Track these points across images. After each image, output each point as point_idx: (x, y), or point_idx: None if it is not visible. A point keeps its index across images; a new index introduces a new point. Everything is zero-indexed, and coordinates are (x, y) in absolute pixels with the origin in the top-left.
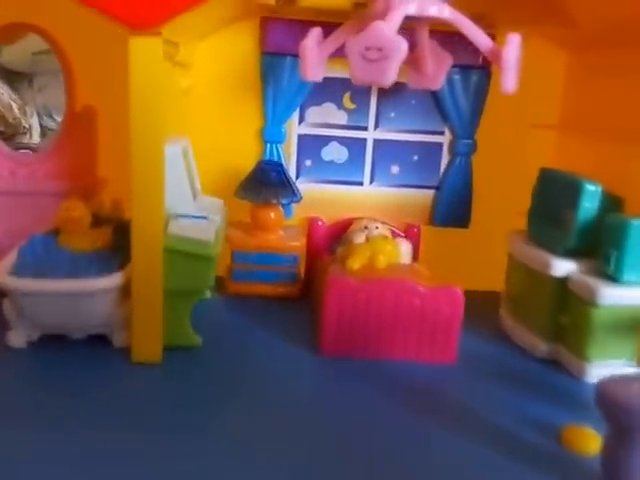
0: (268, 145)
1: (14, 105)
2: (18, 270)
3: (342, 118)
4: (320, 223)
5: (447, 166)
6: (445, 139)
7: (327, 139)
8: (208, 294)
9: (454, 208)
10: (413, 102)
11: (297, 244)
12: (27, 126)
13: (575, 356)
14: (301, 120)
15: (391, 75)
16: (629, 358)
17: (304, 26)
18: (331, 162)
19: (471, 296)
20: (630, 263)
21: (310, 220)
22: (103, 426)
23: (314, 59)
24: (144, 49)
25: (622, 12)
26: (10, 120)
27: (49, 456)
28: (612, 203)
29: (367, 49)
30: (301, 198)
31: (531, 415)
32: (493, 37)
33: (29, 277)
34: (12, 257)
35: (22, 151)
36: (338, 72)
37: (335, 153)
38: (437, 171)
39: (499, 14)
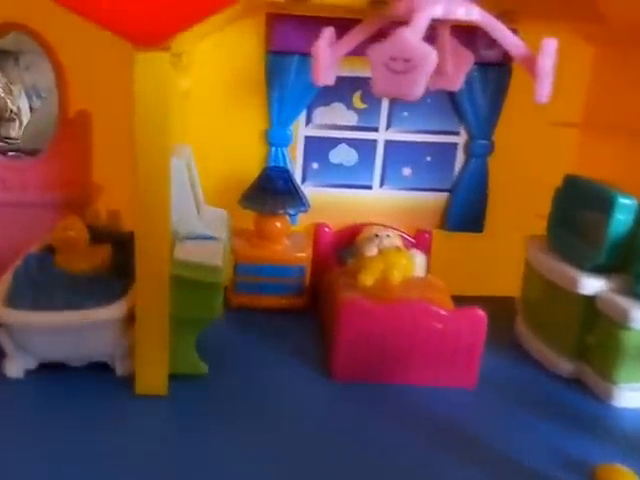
0: (273, 148)
1: None
2: (14, 299)
3: (352, 119)
4: (327, 229)
5: (462, 168)
6: (460, 139)
7: (335, 141)
8: None
9: (468, 212)
10: (428, 101)
11: (303, 255)
12: (14, 109)
13: (602, 378)
14: (308, 121)
15: (419, 88)
16: None
17: (313, 23)
18: (339, 165)
19: (484, 302)
20: None
21: (317, 226)
22: (105, 466)
23: (327, 62)
24: (151, 66)
25: None
26: None
27: None
28: None
29: (392, 59)
30: (309, 207)
31: (558, 447)
32: (515, 32)
33: (26, 307)
34: (7, 280)
35: (11, 154)
36: (348, 71)
37: (344, 155)
38: (451, 173)
39: (522, 8)
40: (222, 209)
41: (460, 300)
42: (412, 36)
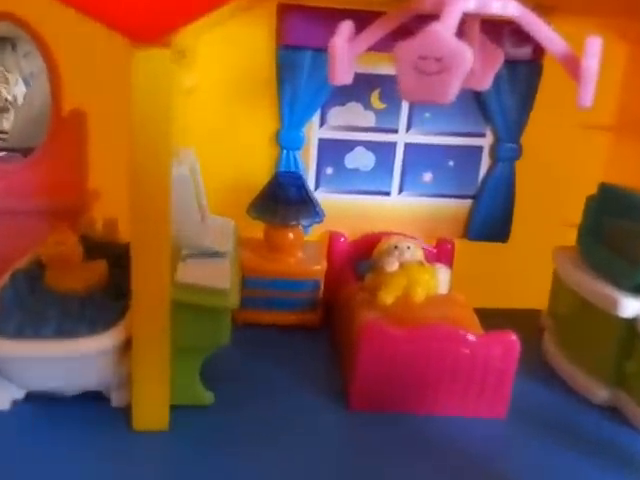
0: (284, 152)
1: None
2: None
3: (369, 120)
4: (342, 239)
5: (487, 173)
6: (486, 142)
7: (352, 144)
8: None
9: (492, 220)
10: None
11: (318, 268)
12: (9, 98)
13: None
14: (322, 122)
15: (452, 92)
16: None
17: (329, 15)
18: (355, 170)
19: (508, 316)
20: None
21: (331, 236)
22: None
23: (344, 59)
24: (150, 64)
25: None
26: None
27: None
28: None
29: (422, 59)
30: (324, 217)
31: None
32: None
33: (10, 335)
34: None
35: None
36: (366, 67)
37: (360, 159)
38: (475, 178)
39: (555, 2)
40: (229, 219)
41: (483, 313)
42: (445, 32)
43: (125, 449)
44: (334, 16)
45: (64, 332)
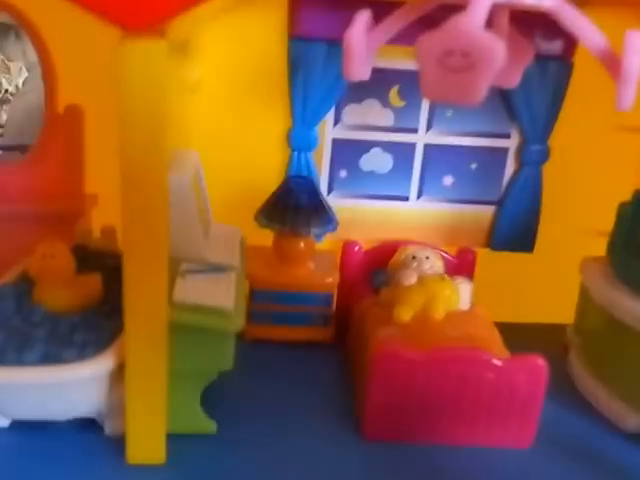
0: (295, 153)
1: None
2: None
3: (387, 118)
4: (357, 248)
5: (512, 177)
6: (512, 144)
7: (368, 144)
8: None
9: (517, 228)
10: None
11: (330, 280)
12: (10, 89)
13: None
14: (337, 121)
15: (481, 91)
16: None
17: (346, 4)
18: (371, 173)
19: (532, 331)
20: None
21: (345, 244)
22: None
23: (362, 53)
24: (142, 56)
25: None
26: None
27: None
28: None
29: (447, 54)
30: (337, 225)
31: None
32: None
33: None
34: None
35: None
36: (384, 62)
37: (377, 162)
38: (499, 183)
39: None
40: (235, 227)
41: (505, 328)
42: (474, 24)
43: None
44: (350, 5)
45: (50, 357)
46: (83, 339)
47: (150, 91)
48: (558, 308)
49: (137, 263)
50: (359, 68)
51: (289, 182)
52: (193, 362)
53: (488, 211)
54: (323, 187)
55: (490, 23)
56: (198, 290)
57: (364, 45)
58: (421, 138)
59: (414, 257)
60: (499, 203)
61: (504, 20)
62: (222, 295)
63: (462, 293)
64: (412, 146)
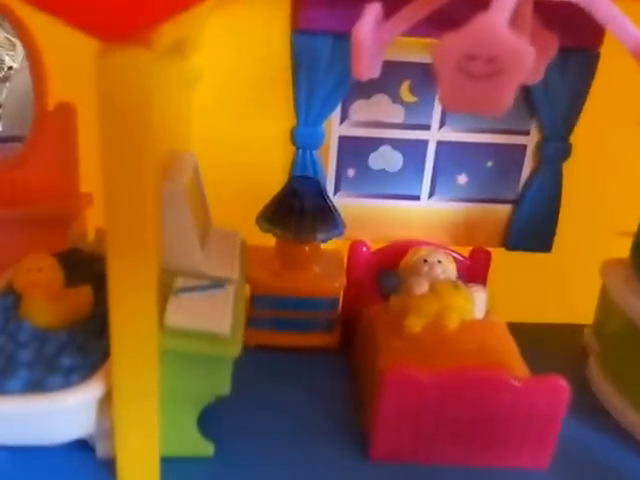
0: (300, 151)
1: None
2: None
3: (398, 114)
4: (365, 249)
5: (530, 175)
6: (530, 140)
7: (377, 142)
8: None
9: (535, 228)
10: None
11: (337, 285)
12: (14, 66)
13: None
14: (344, 118)
15: (508, 100)
16: None
17: None
18: (381, 171)
19: (548, 331)
20: None
21: (352, 244)
22: None
23: (371, 49)
24: (122, 72)
25: None
26: None
27: None
28: None
29: (469, 58)
30: (345, 229)
31: None
32: None
33: None
34: None
35: None
36: (395, 55)
37: (387, 160)
38: (517, 181)
39: None
40: (235, 231)
41: (520, 329)
42: (500, 24)
43: None
44: None
45: (34, 384)
46: (70, 363)
47: (132, 104)
48: (575, 310)
49: (123, 284)
50: (369, 66)
51: (293, 183)
52: (187, 387)
53: (504, 210)
54: (330, 186)
55: (512, 15)
56: (192, 312)
57: (373, 41)
58: (434, 135)
59: (425, 261)
60: (516, 202)
61: (528, 11)
62: (218, 317)
63: (477, 302)
64: (424, 143)
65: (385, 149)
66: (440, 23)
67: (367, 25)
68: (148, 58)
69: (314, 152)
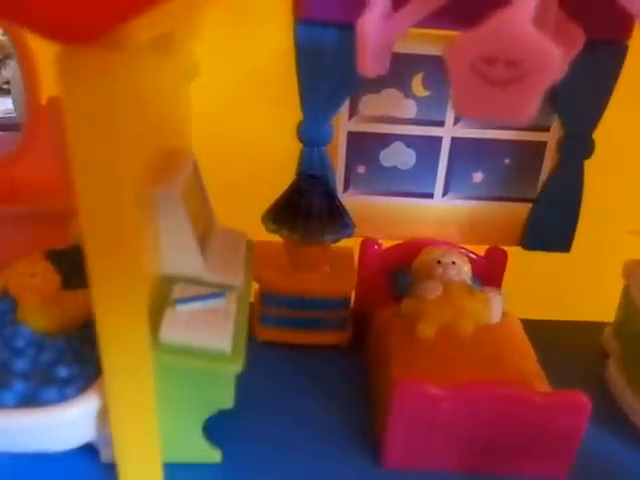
0: (307, 148)
1: None
2: None
3: (410, 110)
4: (376, 247)
5: (551, 173)
6: (551, 137)
7: (388, 138)
8: None
9: (554, 227)
10: None
11: (348, 285)
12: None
13: None
14: (353, 113)
15: (532, 108)
16: None
17: None
18: (393, 168)
19: (565, 329)
20: None
21: (363, 242)
22: None
23: (378, 44)
24: (86, 75)
25: None
26: None
27: None
28: None
29: (487, 61)
30: (354, 230)
31: None
32: None
33: None
34: None
35: None
36: (406, 47)
37: (399, 156)
38: (536, 179)
39: None
40: (241, 231)
41: (537, 326)
42: (525, 23)
43: None
44: None
45: (28, 398)
46: (66, 374)
47: (97, 109)
48: (593, 310)
49: (107, 300)
50: (375, 61)
51: (300, 181)
52: (189, 400)
53: (521, 209)
54: (339, 184)
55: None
56: (189, 325)
57: (381, 34)
58: (448, 131)
59: (439, 262)
60: (534, 201)
61: (553, 6)
62: (218, 331)
63: (493, 306)
64: (438, 140)
65: (397, 145)
66: (455, 14)
67: (372, 18)
68: (111, 60)
69: (322, 148)
